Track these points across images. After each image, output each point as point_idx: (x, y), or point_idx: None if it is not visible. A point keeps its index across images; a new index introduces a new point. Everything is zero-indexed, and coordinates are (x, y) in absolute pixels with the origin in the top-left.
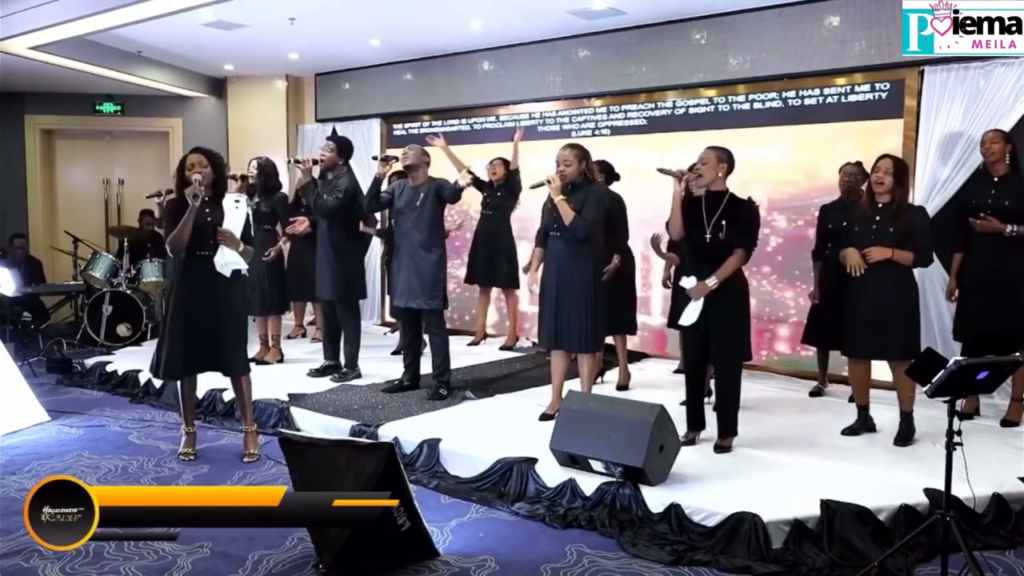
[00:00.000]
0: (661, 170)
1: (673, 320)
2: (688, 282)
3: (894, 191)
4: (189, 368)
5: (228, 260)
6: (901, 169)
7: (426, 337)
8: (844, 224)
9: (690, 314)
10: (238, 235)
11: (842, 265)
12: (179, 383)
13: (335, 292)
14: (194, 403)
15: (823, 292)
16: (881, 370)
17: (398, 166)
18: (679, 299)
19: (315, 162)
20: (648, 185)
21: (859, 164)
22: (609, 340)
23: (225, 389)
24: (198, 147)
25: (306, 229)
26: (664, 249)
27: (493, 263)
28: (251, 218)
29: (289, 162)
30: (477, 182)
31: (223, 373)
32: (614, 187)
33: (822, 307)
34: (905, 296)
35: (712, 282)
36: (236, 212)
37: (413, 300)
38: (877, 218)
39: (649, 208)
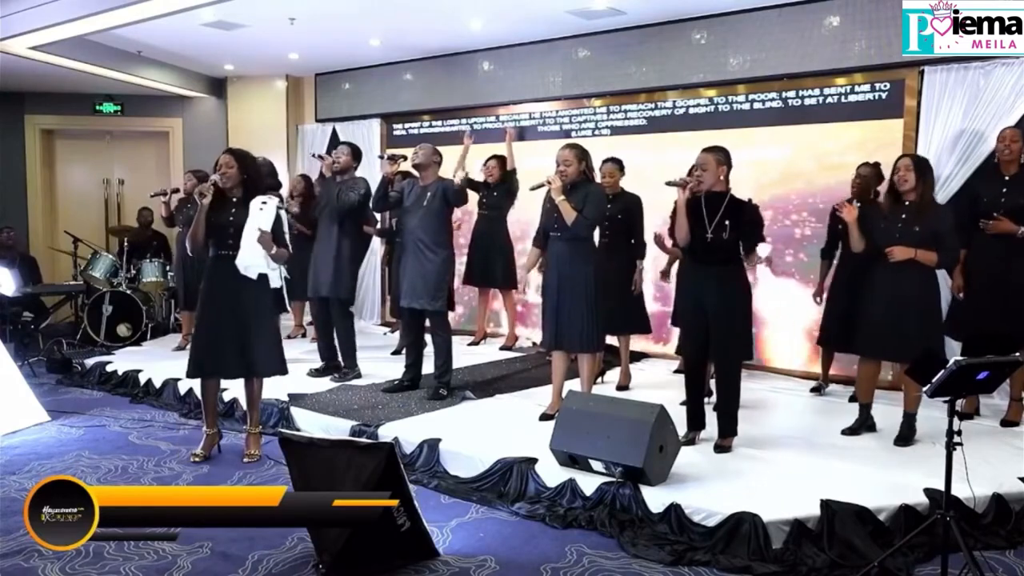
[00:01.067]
0: (669, 183)
1: (676, 317)
2: (763, 249)
3: (918, 186)
4: (211, 369)
5: (249, 263)
6: (923, 165)
7: (428, 337)
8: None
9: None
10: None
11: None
12: (199, 384)
13: (334, 290)
14: (215, 404)
15: (835, 293)
16: (882, 369)
17: (406, 165)
18: (681, 298)
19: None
20: (649, 186)
21: (876, 165)
22: (612, 340)
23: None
24: (229, 148)
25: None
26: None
27: (490, 263)
28: (281, 219)
29: (312, 155)
30: (471, 183)
31: (244, 376)
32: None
33: (837, 309)
34: (927, 297)
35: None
36: (260, 214)
37: (416, 300)
38: (903, 216)
39: (650, 208)
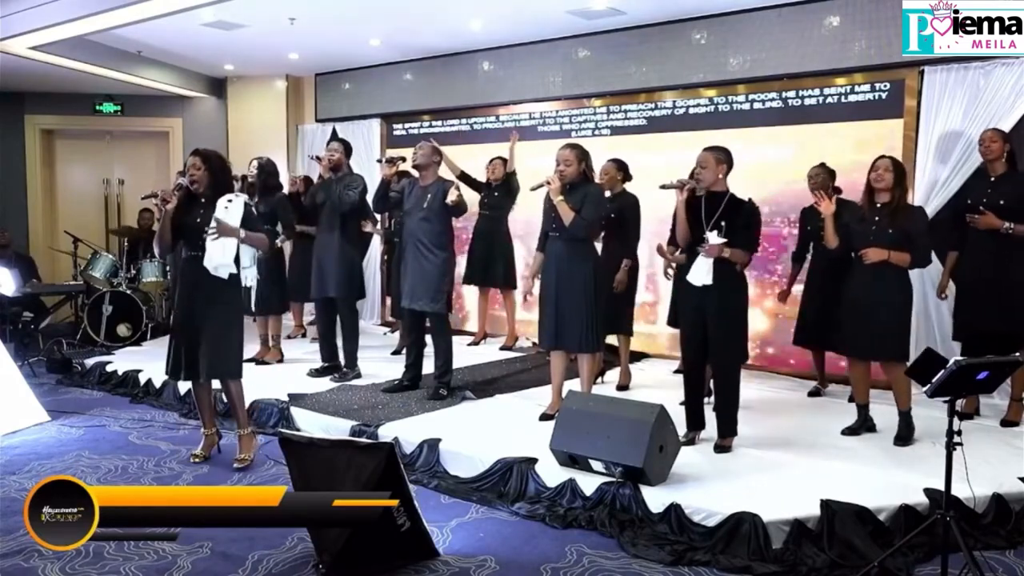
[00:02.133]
0: (664, 186)
1: (672, 319)
2: (711, 236)
3: (893, 190)
4: (183, 371)
5: (218, 263)
6: (900, 170)
7: (428, 337)
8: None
9: (700, 273)
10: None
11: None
12: (191, 385)
13: (341, 290)
14: (210, 405)
15: (810, 293)
16: (881, 369)
17: (404, 166)
18: (679, 298)
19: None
20: (649, 186)
21: (822, 166)
22: (611, 340)
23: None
24: (196, 149)
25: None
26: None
27: (490, 263)
28: (251, 214)
29: (310, 157)
30: (474, 183)
31: (210, 378)
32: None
33: (810, 308)
34: (898, 298)
35: (726, 250)
36: (226, 212)
37: (416, 301)
38: (876, 218)
39: (650, 208)
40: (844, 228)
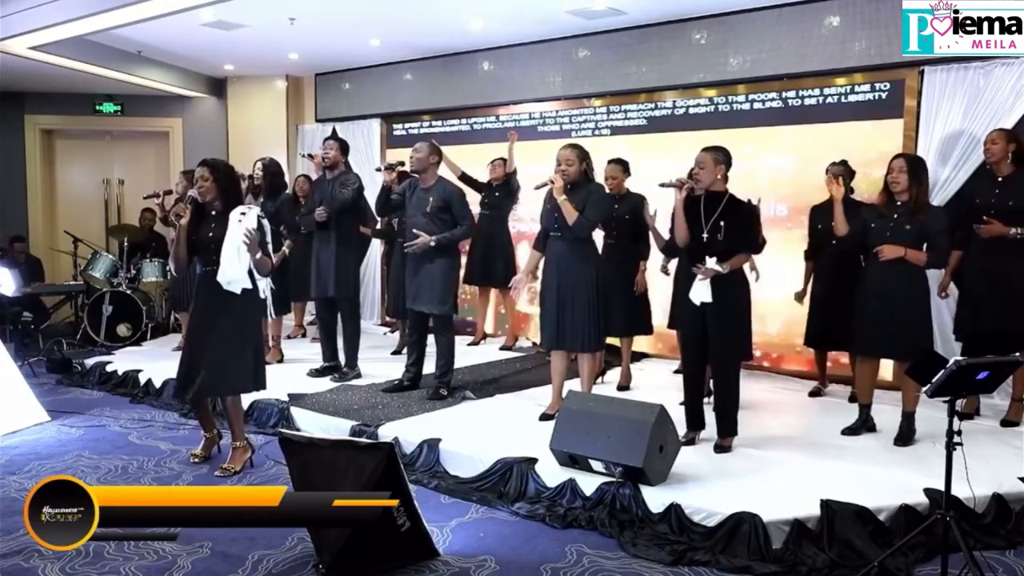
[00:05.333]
0: (663, 185)
1: (673, 321)
2: (710, 261)
3: (911, 188)
4: (190, 387)
5: (232, 278)
6: (917, 166)
7: (430, 337)
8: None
9: (700, 292)
10: (241, 248)
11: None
12: None
13: (341, 288)
14: (209, 414)
15: (819, 293)
16: (882, 369)
17: (404, 169)
18: (679, 299)
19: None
20: (649, 186)
21: (844, 163)
22: (613, 340)
23: None
24: (204, 160)
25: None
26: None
27: (490, 263)
28: (264, 228)
29: (302, 155)
30: (474, 183)
31: (208, 396)
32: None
33: (820, 308)
34: (916, 295)
35: (724, 267)
36: (239, 226)
37: (423, 304)
38: (895, 216)
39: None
40: (861, 223)
